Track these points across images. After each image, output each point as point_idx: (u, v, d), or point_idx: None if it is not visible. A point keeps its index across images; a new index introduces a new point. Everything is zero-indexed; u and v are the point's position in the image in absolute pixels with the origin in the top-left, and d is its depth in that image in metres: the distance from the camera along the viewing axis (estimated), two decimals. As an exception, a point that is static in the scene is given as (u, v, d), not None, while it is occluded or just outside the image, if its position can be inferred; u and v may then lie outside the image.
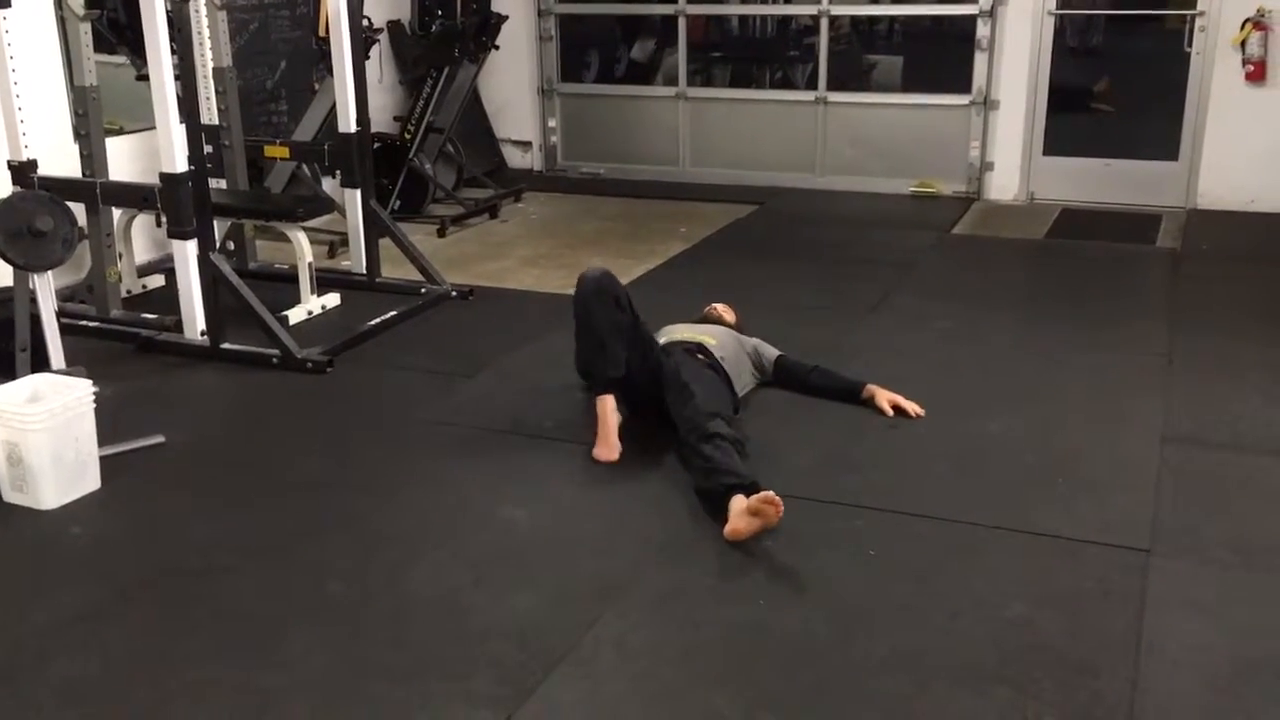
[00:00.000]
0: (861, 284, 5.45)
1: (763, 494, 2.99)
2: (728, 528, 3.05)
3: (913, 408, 3.89)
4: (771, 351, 4.13)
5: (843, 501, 3.30)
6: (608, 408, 3.63)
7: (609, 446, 3.58)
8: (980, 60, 7.12)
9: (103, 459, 3.48)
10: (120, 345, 4.67)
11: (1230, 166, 6.77)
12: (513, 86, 8.25)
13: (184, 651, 2.64)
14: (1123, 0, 7.60)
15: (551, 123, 8.37)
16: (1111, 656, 2.58)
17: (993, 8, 6.99)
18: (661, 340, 3.92)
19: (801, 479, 3.39)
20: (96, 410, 3.45)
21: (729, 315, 4.35)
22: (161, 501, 3.41)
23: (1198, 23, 6.72)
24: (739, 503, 3.08)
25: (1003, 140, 7.23)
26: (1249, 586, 2.87)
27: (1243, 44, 6.53)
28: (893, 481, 3.45)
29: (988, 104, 7.18)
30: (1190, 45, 6.76)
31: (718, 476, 3.20)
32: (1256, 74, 6.56)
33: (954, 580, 2.90)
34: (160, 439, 3.75)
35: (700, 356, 3.81)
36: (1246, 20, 6.51)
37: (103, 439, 3.49)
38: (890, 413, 3.87)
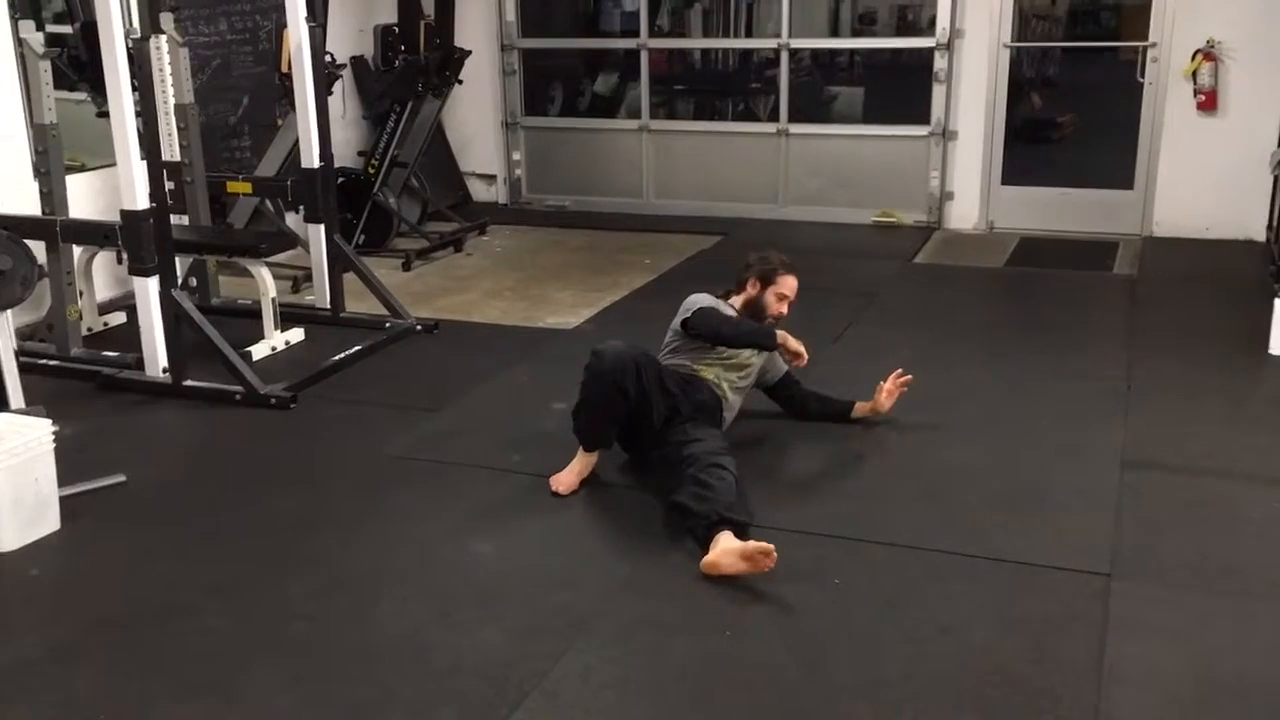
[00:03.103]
0: (825, 313, 5.49)
1: (762, 545, 2.96)
2: (708, 559, 3.05)
3: (893, 384, 4.01)
4: (779, 370, 4.09)
5: (808, 530, 3.31)
6: (587, 461, 3.62)
7: (565, 483, 3.58)
8: (939, 92, 7.22)
9: (63, 499, 3.44)
10: (81, 384, 4.62)
11: (1184, 194, 6.89)
12: (477, 120, 8.28)
13: (146, 692, 2.61)
14: (1076, 33, 7.74)
15: (516, 156, 8.40)
16: (1074, 681, 2.60)
17: (949, 41, 7.10)
18: (691, 363, 3.80)
19: (766, 508, 3.39)
20: (56, 450, 3.42)
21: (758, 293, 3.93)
22: (123, 541, 3.38)
23: (1149, 54, 6.86)
24: (728, 539, 3.07)
25: (962, 170, 7.32)
26: (1208, 609, 2.91)
27: (1194, 74, 6.67)
28: (857, 509, 3.48)
29: (946, 135, 7.28)
30: (1143, 76, 6.89)
31: (714, 504, 3.17)
32: (1208, 104, 6.70)
33: (919, 608, 2.92)
34: (121, 478, 3.71)
35: (711, 402, 3.74)
36: (1197, 51, 6.65)
37: (63, 479, 3.45)
38: (886, 405, 4.01)
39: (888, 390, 4.02)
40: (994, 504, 3.50)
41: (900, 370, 4.05)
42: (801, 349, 3.72)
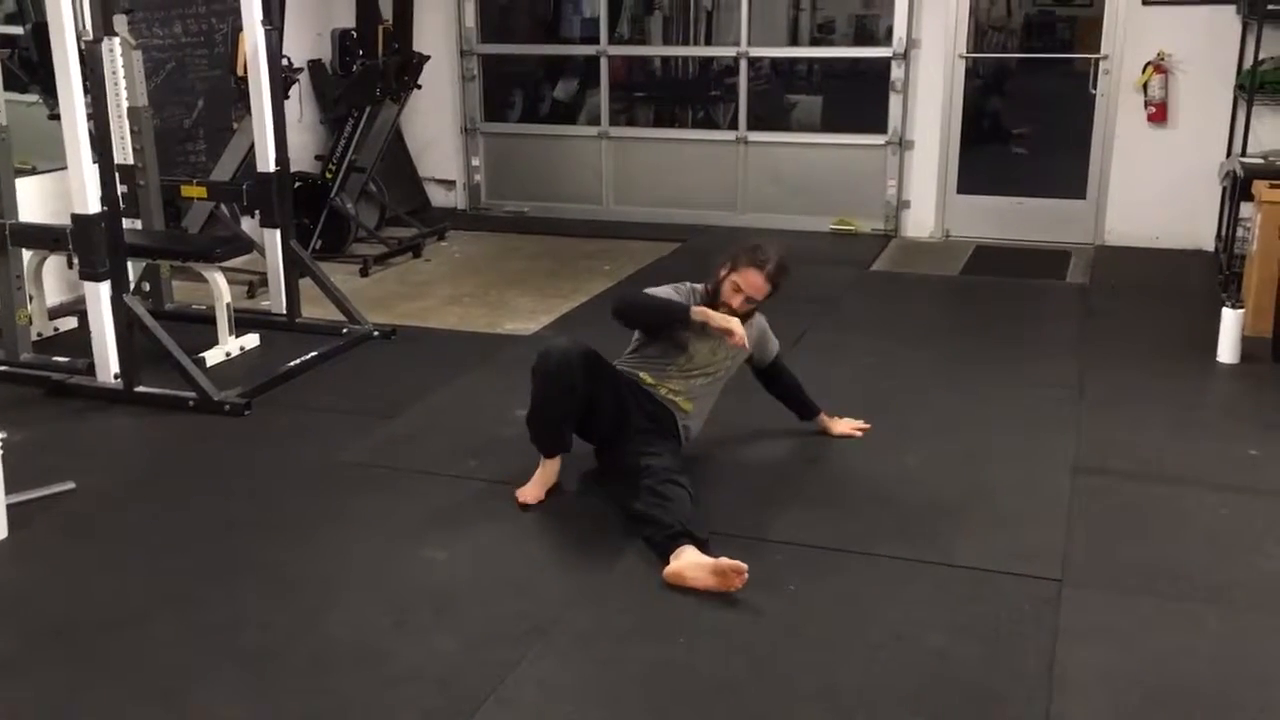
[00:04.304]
0: (782, 320, 5.47)
1: (736, 564, 2.96)
2: (671, 569, 3.05)
3: (849, 429, 4.11)
4: (774, 349, 4.07)
5: (763, 537, 3.32)
6: (550, 470, 3.60)
7: (532, 495, 3.55)
8: (895, 102, 7.29)
9: (10, 507, 3.39)
10: (30, 390, 4.56)
11: (1135, 204, 6.99)
12: (436, 125, 8.25)
13: (93, 704, 2.58)
14: (1031, 45, 7.83)
15: (475, 161, 8.38)
16: (1026, 686, 2.63)
17: (906, 51, 7.17)
18: (646, 375, 3.71)
19: (721, 514, 3.40)
20: (4, 456, 3.36)
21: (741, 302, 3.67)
22: (71, 550, 3.33)
23: (1101, 66, 6.96)
24: (693, 553, 3.07)
25: (918, 179, 7.39)
26: (1157, 614, 2.95)
27: (1145, 86, 6.77)
28: (811, 516, 3.49)
29: (903, 144, 7.34)
30: (1095, 87, 6.99)
31: (676, 515, 3.18)
32: (1158, 115, 6.80)
33: (873, 613, 2.94)
34: (71, 485, 3.66)
35: (663, 415, 3.68)
36: (1148, 64, 6.75)
37: (10, 486, 3.40)
38: (835, 433, 4.09)
39: (843, 428, 4.10)
40: (947, 510, 3.53)
41: (865, 423, 4.13)
42: (730, 324, 3.45)
